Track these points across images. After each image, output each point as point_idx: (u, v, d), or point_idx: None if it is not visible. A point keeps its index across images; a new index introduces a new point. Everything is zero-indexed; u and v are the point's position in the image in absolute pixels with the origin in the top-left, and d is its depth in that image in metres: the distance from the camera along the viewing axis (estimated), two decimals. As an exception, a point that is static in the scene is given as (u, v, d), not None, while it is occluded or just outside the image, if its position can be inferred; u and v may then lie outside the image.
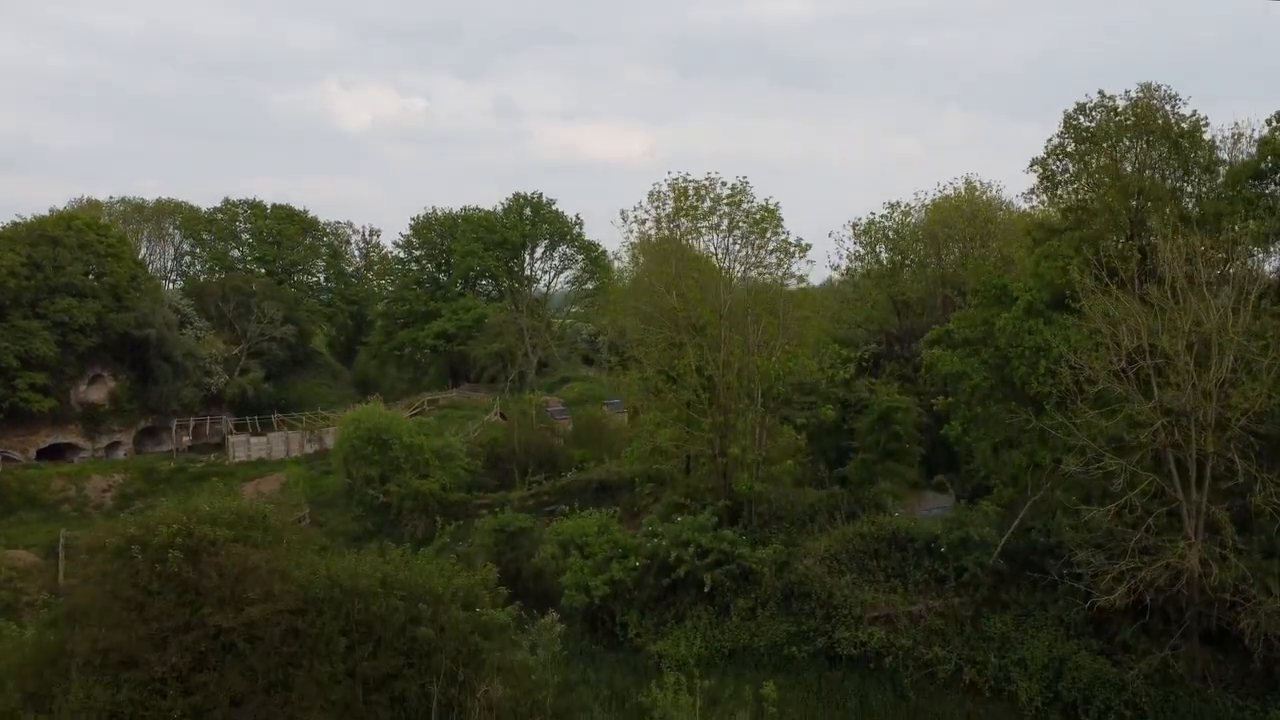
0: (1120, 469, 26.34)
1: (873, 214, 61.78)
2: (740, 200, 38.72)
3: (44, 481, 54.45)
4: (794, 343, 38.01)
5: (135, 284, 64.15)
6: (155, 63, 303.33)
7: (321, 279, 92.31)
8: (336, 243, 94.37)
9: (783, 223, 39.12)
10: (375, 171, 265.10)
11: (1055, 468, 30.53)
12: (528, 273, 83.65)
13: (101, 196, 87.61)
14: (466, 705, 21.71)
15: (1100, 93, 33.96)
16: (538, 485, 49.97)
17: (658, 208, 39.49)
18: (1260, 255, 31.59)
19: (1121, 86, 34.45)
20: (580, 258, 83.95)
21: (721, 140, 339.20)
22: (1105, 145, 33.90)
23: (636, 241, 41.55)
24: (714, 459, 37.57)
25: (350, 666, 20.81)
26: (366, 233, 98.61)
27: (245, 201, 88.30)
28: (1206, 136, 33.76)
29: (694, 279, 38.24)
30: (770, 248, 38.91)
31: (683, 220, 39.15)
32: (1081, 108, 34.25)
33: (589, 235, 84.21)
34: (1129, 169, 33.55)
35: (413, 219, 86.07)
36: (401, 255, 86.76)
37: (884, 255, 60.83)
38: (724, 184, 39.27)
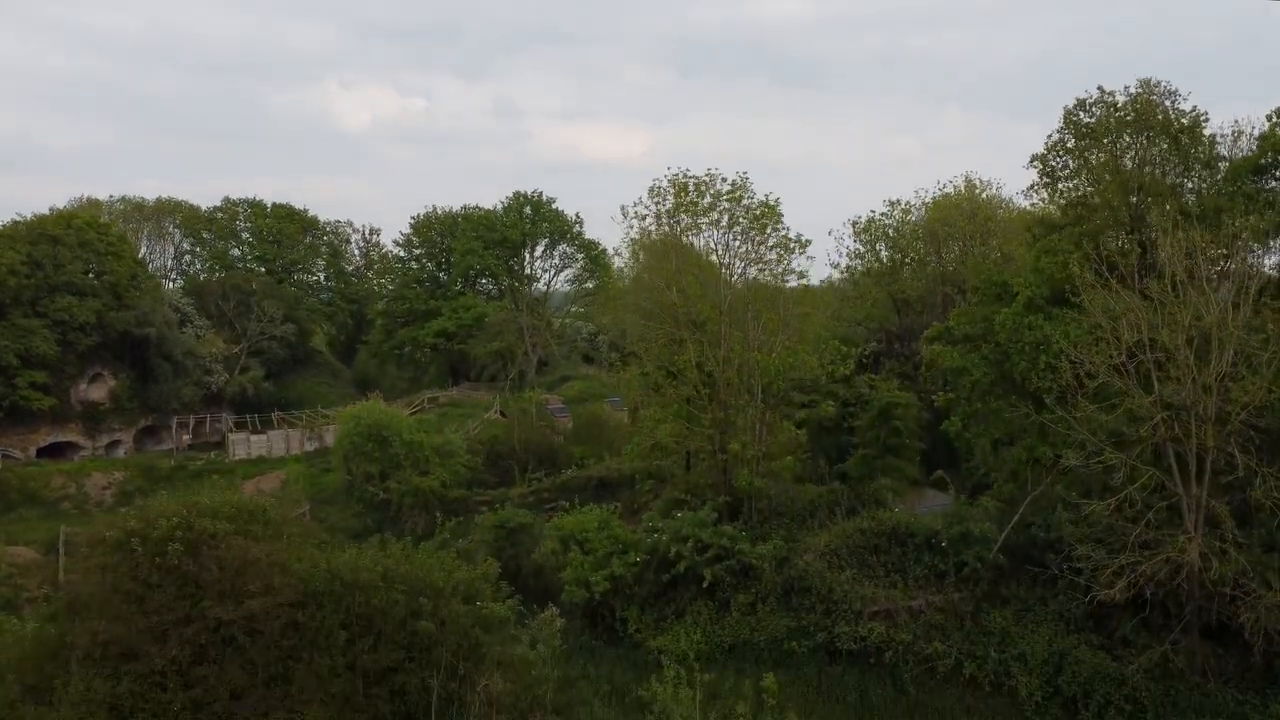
0: (1120, 463, 26.33)
1: (873, 212, 61.91)
2: (740, 196, 38.73)
3: (44, 479, 54.48)
4: (794, 339, 38.00)
5: (135, 283, 64.18)
6: (155, 63, 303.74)
7: (321, 278, 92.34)
8: (336, 242, 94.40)
9: (783, 218, 39.19)
10: (375, 171, 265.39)
11: (1055, 463, 30.53)
12: (528, 271, 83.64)
13: (101, 195, 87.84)
14: (466, 699, 21.67)
15: (1100, 89, 34.02)
16: (538, 482, 50.02)
17: (658, 203, 39.54)
18: (1260, 251, 31.59)
19: (1121, 86, 34.43)
20: (580, 256, 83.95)
21: (721, 140, 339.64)
22: (1105, 141, 33.90)
23: (637, 237, 41.56)
24: (714, 455, 37.58)
25: (350, 660, 20.77)
26: (366, 232, 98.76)
27: (245, 200, 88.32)
28: (1206, 132, 33.78)
29: (694, 275, 38.25)
30: (770, 243, 38.94)
31: (683, 216, 39.17)
32: (1081, 104, 34.26)
33: (589, 234, 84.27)
34: (1129, 165, 33.56)
35: (413, 218, 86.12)
36: (401, 254, 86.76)
37: (884, 253, 60.88)
38: (724, 180, 39.35)
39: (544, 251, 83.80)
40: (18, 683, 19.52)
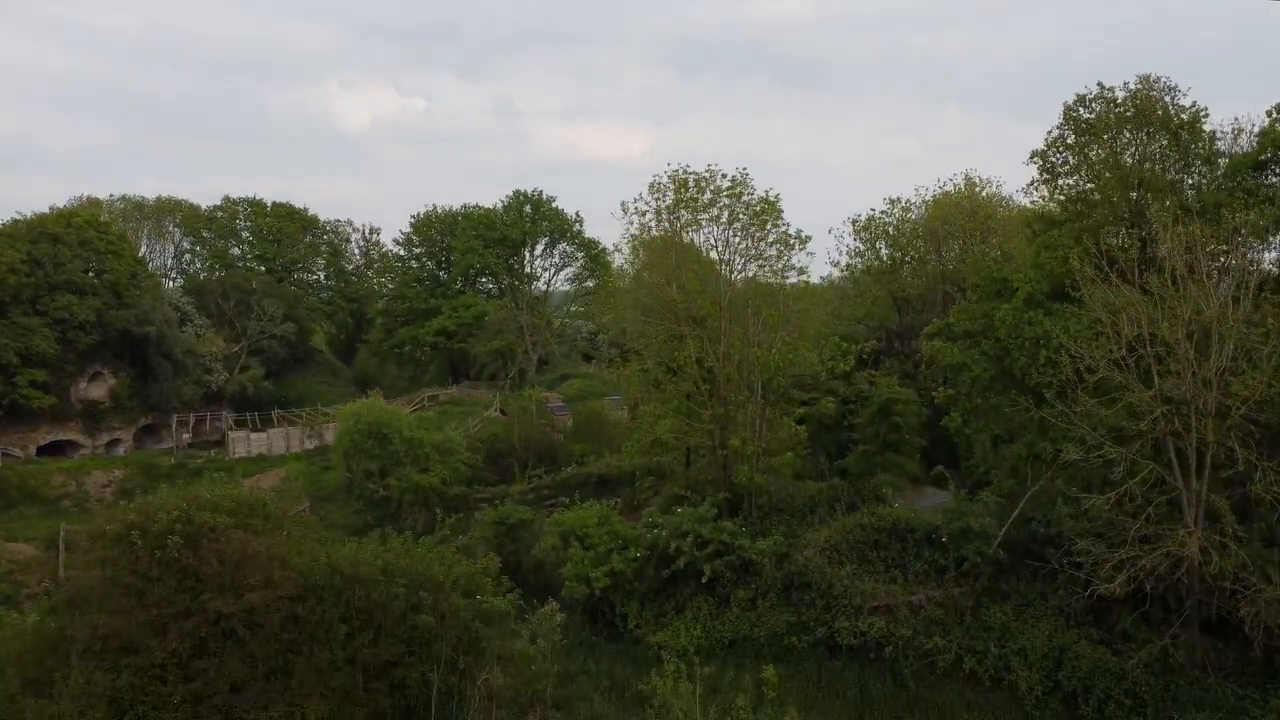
0: (1120, 457, 26.33)
1: (873, 210, 61.85)
2: (740, 192, 38.73)
3: (44, 477, 54.50)
4: (794, 335, 38.01)
5: (135, 281, 64.20)
6: (155, 63, 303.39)
7: (321, 277, 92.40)
8: (336, 241, 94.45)
9: (783, 214, 39.18)
10: (375, 171, 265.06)
11: (1055, 458, 30.54)
12: (528, 270, 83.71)
13: (102, 195, 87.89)
14: (467, 693, 21.70)
15: (1100, 84, 33.95)
16: (538, 479, 50.03)
17: (658, 199, 39.52)
18: (1260, 246, 31.57)
19: (1121, 82, 34.36)
20: (580, 255, 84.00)
21: (721, 140, 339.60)
22: (1105, 137, 33.86)
23: (637, 233, 41.56)
24: (714, 451, 37.59)
25: (350, 653, 20.79)
26: (366, 231, 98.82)
27: (245, 199, 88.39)
28: (1206, 128, 33.78)
29: (694, 271, 38.25)
30: (770, 239, 38.94)
31: (683, 212, 39.16)
32: (1081, 99, 34.23)
33: (588, 233, 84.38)
34: (1129, 160, 33.54)
35: (413, 217, 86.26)
36: (401, 253, 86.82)
37: (884, 251, 60.80)
38: (724, 176, 39.35)
39: (544, 250, 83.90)
40: (18, 676, 19.54)
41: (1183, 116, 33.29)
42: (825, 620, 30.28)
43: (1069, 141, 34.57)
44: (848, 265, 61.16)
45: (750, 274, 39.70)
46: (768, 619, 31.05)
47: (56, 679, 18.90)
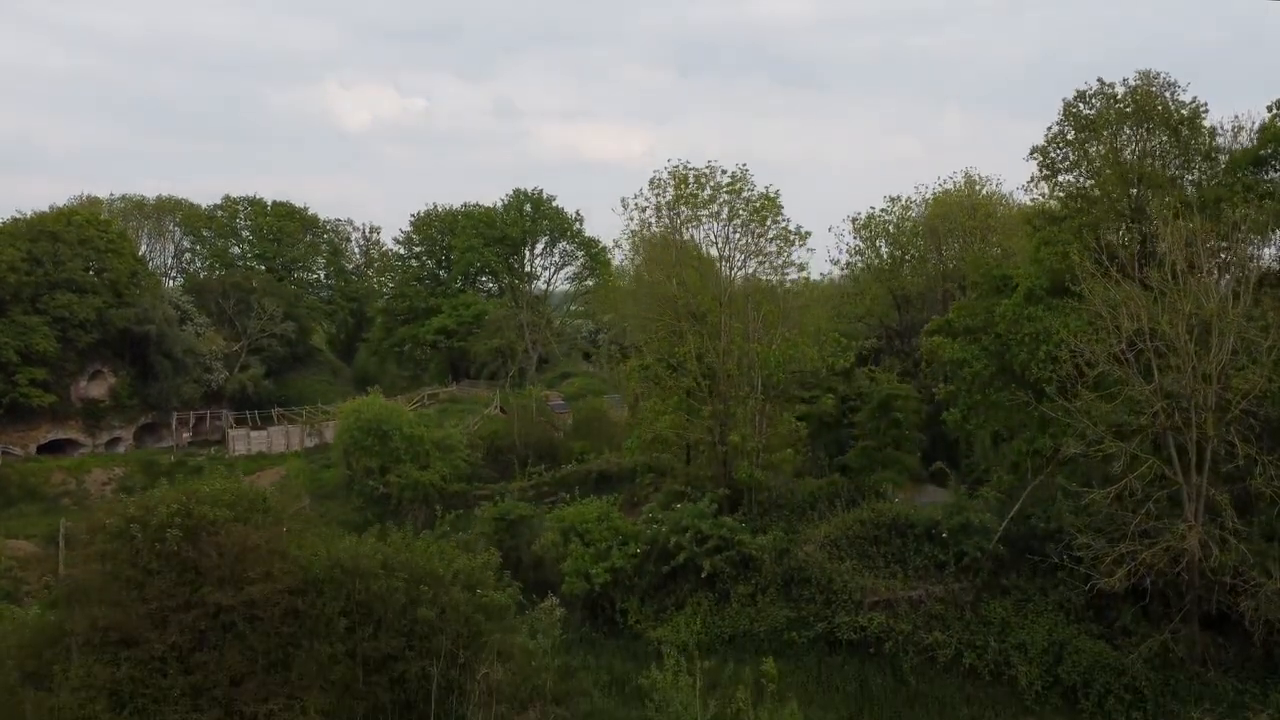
0: (1120, 453, 26.32)
1: (873, 209, 61.82)
2: (740, 188, 38.72)
3: (44, 475, 54.57)
4: (794, 331, 38.02)
5: (135, 280, 64.28)
6: (155, 63, 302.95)
7: (321, 276, 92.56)
8: (337, 240, 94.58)
9: (782, 210, 39.18)
10: (375, 171, 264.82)
11: (1055, 453, 30.52)
12: (528, 269, 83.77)
13: (102, 194, 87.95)
14: (466, 687, 21.66)
15: (1100, 80, 33.93)
16: (538, 476, 50.02)
17: (658, 195, 39.53)
18: (1260, 241, 31.56)
19: (1120, 78, 34.35)
20: (580, 254, 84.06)
21: (721, 140, 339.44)
22: (1105, 133, 33.86)
23: (637, 229, 41.57)
24: (714, 447, 37.59)
25: (350, 647, 20.75)
26: (366, 230, 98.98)
27: (245, 199, 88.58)
28: (1206, 124, 33.79)
29: (694, 267, 38.25)
30: (770, 235, 38.94)
31: (683, 208, 39.16)
32: (1081, 95, 34.21)
33: (588, 232, 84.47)
34: (1129, 156, 33.53)
35: (413, 215, 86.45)
36: (402, 252, 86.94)
37: (884, 250, 60.78)
38: (724, 172, 39.33)
39: (544, 249, 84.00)
40: (17, 669, 19.52)
41: (1183, 112, 33.27)
42: (825, 615, 30.28)
43: (1069, 137, 34.55)
44: (848, 264, 61.19)
45: (750, 270, 39.75)
46: (768, 614, 31.06)
47: (56, 672, 18.87)
